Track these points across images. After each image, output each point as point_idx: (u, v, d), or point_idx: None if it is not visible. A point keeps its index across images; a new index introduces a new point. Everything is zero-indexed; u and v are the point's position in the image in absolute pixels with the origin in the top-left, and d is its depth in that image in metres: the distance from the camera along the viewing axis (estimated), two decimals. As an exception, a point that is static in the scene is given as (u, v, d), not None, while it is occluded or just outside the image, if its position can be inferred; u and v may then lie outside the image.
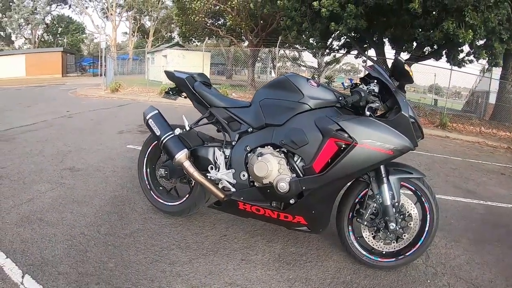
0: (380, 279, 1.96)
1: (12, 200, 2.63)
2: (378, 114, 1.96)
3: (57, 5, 38.36)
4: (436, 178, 4.11)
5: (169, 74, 2.42)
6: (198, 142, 2.29)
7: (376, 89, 1.86)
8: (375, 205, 1.93)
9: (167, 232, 2.24)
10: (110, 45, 35.26)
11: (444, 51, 9.79)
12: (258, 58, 35.76)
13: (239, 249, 2.07)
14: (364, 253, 2.04)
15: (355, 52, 12.84)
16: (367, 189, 1.96)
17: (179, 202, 2.40)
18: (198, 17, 14.67)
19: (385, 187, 1.89)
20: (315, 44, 12.27)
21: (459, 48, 9.23)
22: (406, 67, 1.80)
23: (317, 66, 21.27)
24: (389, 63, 11.10)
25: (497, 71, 10.97)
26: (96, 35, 38.22)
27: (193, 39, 20.07)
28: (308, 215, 1.96)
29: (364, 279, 1.94)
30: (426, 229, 1.99)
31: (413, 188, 1.99)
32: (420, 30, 8.14)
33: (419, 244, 2.00)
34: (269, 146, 1.97)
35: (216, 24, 17.66)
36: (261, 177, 1.91)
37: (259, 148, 1.99)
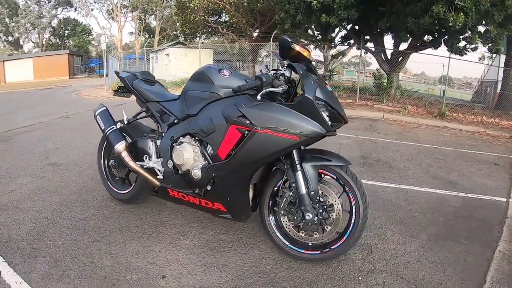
0: (303, 271, 1.96)
1: (-6, 192, 3.11)
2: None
3: (63, 8, 39.88)
4: (415, 169, 4.14)
5: (117, 74, 2.81)
6: (139, 134, 2.64)
7: (288, 74, 1.89)
8: (290, 193, 1.92)
9: (115, 217, 2.62)
10: (116, 45, 36.36)
11: (442, 39, 9.77)
12: (266, 53, 36.12)
13: (172, 234, 2.38)
14: (287, 243, 2.04)
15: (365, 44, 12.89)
16: (285, 178, 1.96)
17: (127, 191, 2.77)
18: (197, 16, 15.10)
19: (299, 174, 1.87)
20: (313, 37, 12.44)
21: (461, 36, 9.19)
22: (295, 46, 1.77)
23: (323, 60, 21.33)
24: (388, 53, 11.21)
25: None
26: (105, 36, 39.47)
27: (195, 38, 20.54)
28: (224, 202, 2.08)
29: (284, 270, 1.96)
30: (352, 221, 1.92)
31: (334, 177, 1.93)
32: (411, 17, 8.18)
33: (345, 237, 1.93)
34: (188, 136, 2.16)
35: (218, 21, 18.02)
36: (180, 165, 2.13)
37: (180, 137, 2.19)
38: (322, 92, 1.79)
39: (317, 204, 1.91)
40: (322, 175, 1.97)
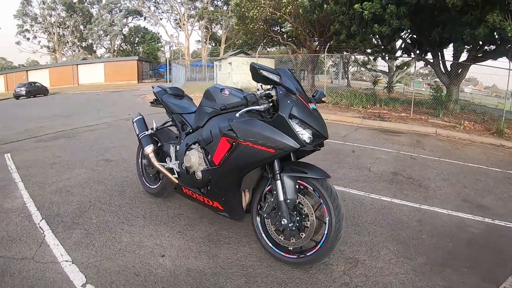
0: (280, 272, 2.18)
1: (55, 178, 3.95)
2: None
3: (133, 17, 44.93)
4: (446, 189, 4.02)
5: (152, 88, 3.41)
6: (167, 140, 3.19)
7: (274, 93, 2.12)
8: (272, 199, 2.19)
9: (143, 206, 3.19)
10: (184, 53, 39.50)
11: (504, 49, 8.98)
12: (332, 63, 36.00)
13: (183, 225, 2.84)
14: (270, 244, 2.29)
15: (425, 56, 12.40)
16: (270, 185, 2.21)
17: (156, 186, 3.34)
18: (256, 26, 15.86)
19: (278, 183, 2.11)
20: (373, 47, 12.29)
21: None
22: (262, 72, 1.96)
23: (387, 70, 20.74)
24: (448, 65, 10.62)
25: None
26: (171, 44, 43.30)
27: (257, 47, 21.46)
28: (221, 201, 2.43)
29: (264, 268, 2.21)
30: (325, 232, 2.08)
31: (311, 188, 2.12)
32: (467, 27, 7.74)
33: (319, 246, 2.10)
34: (197, 143, 2.59)
35: (279, 31, 18.63)
36: (188, 167, 2.57)
37: (192, 145, 2.63)
38: (298, 111, 2.01)
39: (295, 212, 2.13)
40: (302, 186, 2.17)
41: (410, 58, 15.26)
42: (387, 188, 3.93)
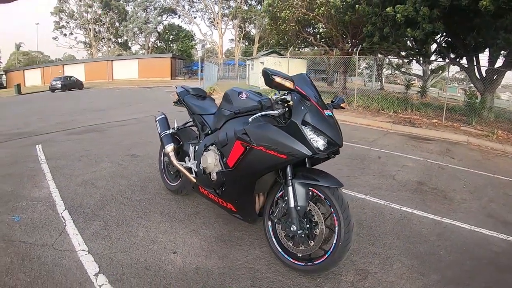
0: (286, 278, 2.18)
1: (82, 170, 4.18)
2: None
3: (168, 15, 46.21)
4: (471, 202, 3.84)
5: (176, 89, 3.51)
6: (188, 139, 3.28)
7: (289, 98, 2.14)
8: (283, 205, 2.18)
9: (162, 203, 3.30)
10: (217, 51, 40.18)
11: None
12: (366, 65, 35.26)
13: (198, 224, 2.91)
14: (280, 249, 2.29)
15: (460, 60, 11.88)
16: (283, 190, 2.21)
17: (176, 184, 3.45)
18: (288, 26, 15.83)
19: (290, 189, 2.10)
20: (408, 50, 11.90)
21: None
22: (275, 78, 1.98)
23: (422, 74, 20.05)
24: (483, 70, 10.09)
25: None
26: (205, 42, 44.24)
27: (289, 47, 21.40)
28: (234, 203, 2.46)
29: (271, 272, 2.23)
30: (334, 241, 2.05)
31: (322, 196, 2.11)
32: (503, 32, 7.30)
33: (327, 255, 2.08)
34: (214, 145, 2.64)
35: (312, 32, 18.50)
36: (205, 167, 2.63)
37: (210, 146, 2.68)
38: (312, 117, 2.01)
39: (305, 219, 2.13)
40: (314, 194, 2.15)
41: (445, 62, 14.66)
42: (410, 198, 3.81)
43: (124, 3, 45.14)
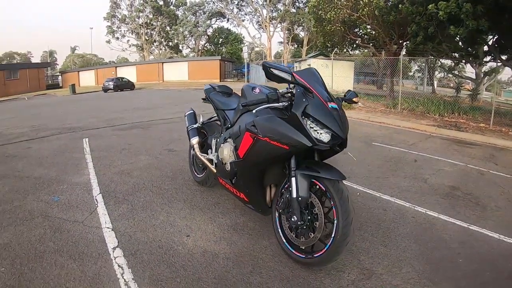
0: (288, 269, 2.23)
1: (121, 161, 4.60)
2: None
3: (217, 19, 47.54)
4: (506, 210, 3.55)
5: (204, 86, 3.74)
6: (213, 133, 3.47)
7: (295, 91, 2.19)
8: (287, 196, 2.22)
9: (187, 192, 3.54)
10: (266, 54, 40.76)
11: None
12: (418, 68, 33.48)
13: (216, 212, 3.08)
14: (284, 240, 2.33)
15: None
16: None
17: (201, 175, 3.67)
18: (333, 27, 15.62)
19: (292, 180, 2.15)
20: (452, 51, 11.19)
21: None
22: (273, 71, 2.07)
23: (474, 77, 18.60)
24: None
25: None
26: (250, 45, 45.10)
27: (337, 50, 21.05)
28: (245, 193, 2.56)
29: (274, 262, 2.30)
30: (332, 235, 2.04)
31: (324, 189, 2.12)
32: None
33: (325, 249, 2.08)
34: (230, 138, 2.73)
35: (359, 33, 18.09)
36: (222, 159, 2.76)
37: (228, 138, 2.77)
38: (313, 109, 2.05)
39: (307, 211, 2.16)
40: (317, 186, 2.17)
41: (497, 64, 13.49)
42: (438, 203, 3.64)
43: (174, 8, 47.49)
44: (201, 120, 3.69)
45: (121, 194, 3.41)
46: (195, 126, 3.57)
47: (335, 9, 14.77)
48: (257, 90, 2.66)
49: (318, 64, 20.29)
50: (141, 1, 44.56)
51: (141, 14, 45.80)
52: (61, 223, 2.75)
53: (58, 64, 62.17)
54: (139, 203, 3.20)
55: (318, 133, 2.04)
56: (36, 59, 62.69)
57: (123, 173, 4.10)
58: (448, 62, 19.70)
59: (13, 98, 26.68)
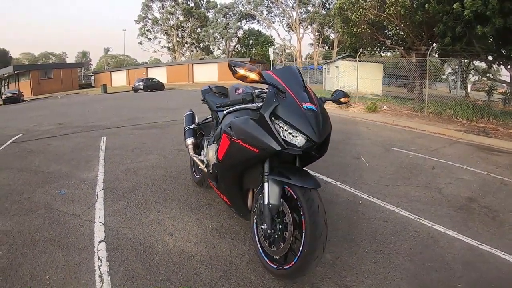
0: (259, 278, 2.16)
1: (130, 160, 4.78)
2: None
3: (247, 21, 48.03)
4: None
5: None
6: (208, 134, 3.50)
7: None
8: (261, 201, 2.09)
9: (184, 192, 3.60)
10: (296, 56, 40.72)
11: None
12: (451, 71, 31.89)
13: (205, 214, 3.09)
14: (259, 248, 2.22)
15: None
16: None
17: (198, 176, 3.72)
18: (360, 28, 15.30)
19: (265, 185, 2.03)
20: (482, 53, 10.52)
21: None
22: (238, 69, 1.93)
23: (509, 80, 17.32)
24: None
25: None
26: (286, 46, 45.18)
27: (365, 51, 20.61)
28: (227, 196, 2.50)
29: (246, 269, 2.25)
30: (300, 247, 1.90)
31: (294, 196, 1.97)
32: None
33: (293, 262, 1.95)
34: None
35: (387, 34, 17.60)
36: (207, 160, 2.79)
37: (216, 140, 2.70)
38: (283, 110, 1.92)
39: (278, 219, 2.04)
40: (289, 194, 2.04)
41: None
42: (449, 216, 3.39)
43: (205, 10, 48.59)
44: (196, 120, 3.73)
45: (121, 191, 3.54)
46: (191, 126, 3.61)
47: (361, 10, 14.44)
48: (240, 91, 2.63)
49: (346, 66, 19.92)
50: (172, 3, 45.96)
51: (172, 16, 47.28)
52: (60, 215, 2.95)
53: (92, 65, 65.81)
54: (135, 200, 3.31)
55: (293, 136, 1.91)
56: (70, 59, 67.47)
57: (130, 171, 4.26)
58: (483, 64, 18.55)
59: (47, 97, 28.56)
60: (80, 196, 3.39)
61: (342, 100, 2.42)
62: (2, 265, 2.24)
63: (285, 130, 1.93)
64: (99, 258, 2.29)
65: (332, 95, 2.45)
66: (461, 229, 3.08)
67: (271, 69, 29.66)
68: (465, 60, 12.22)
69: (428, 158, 5.61)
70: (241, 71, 1.93)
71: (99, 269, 2.18)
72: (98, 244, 2.47)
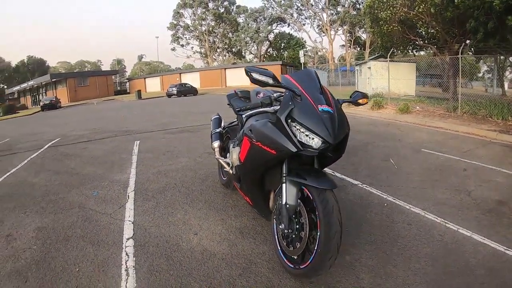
0: (277, 277, 2.21)
1: (161, 162, 5.05)
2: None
3: (277, 24, 48.09)
4: None
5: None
6: (234, 137, 3.62)
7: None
8: (280, 202, 2.17)
9: (210, 194, 3.76)
10: (328, 58, 40.37)
11: None
12: (487, 69, 30.05)
13: (230, 215, 3.21)
14: (278, 247, 2.28)
15: None
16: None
17: (225, 178, 3.86)
18: (390, 27, 14.89)
19: (283, 186, 2.09)
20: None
21: None
22: (253, 74, 2.02)
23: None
24: None
25: None
26: (318, 49, 44.91)
27: (397, 51, 20.01)
28: (249, 197, 2.59)
29: (265, 268, 2.31)
30: (315, 247, 1.94)
31: (311, 197, 2.01)
32: None
33: (309, 261, 1.99)
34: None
35: (420, 32, 16.98)
36: (232, 162, 2.92)
37: (240, 142, 2.77)
38: (299, 113, 1.97)
39: (296, 219, 2.08)
40: (306, 194, 2.08)
41: None
42: (477, 220, 3.25)
43: (236, 15, 49.26)
44: (223, 124, 3.89)
45: (151, 192, 3.78)
46: (217, 130, 3.77)
47: (391, 8, 14.05)
48: (260, 94, 2.74)
49: (378, 66, 19.41)
50: (203, 10, 47.08)
51: (203, 22, 48.41)
52: (92, 214, 3.21)
53: (126, 71, 68.91)
54: (164, 201, 3.52)
55: (309, 138, 1.95)
56: (105, 67, 70.65)
57: (160, 173, 4.50)
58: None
59: (83, 103, 30.26)
60: (112, 196, 3.66)
61: (360, 101, 2.44)
62: (36, 258, 2.48)
63: (302, 132, 1.98)
64: (126, 254, 2.49)
65: (350, 97, 2.47)
66: (488, 234, 2.95)
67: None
68: (501, 57, 11.51)
69: (460, 160, 5.38)
70: (256, 76, 2.02)
71: (126, 263, 2.36)
72: (126, 241, 2.67)
